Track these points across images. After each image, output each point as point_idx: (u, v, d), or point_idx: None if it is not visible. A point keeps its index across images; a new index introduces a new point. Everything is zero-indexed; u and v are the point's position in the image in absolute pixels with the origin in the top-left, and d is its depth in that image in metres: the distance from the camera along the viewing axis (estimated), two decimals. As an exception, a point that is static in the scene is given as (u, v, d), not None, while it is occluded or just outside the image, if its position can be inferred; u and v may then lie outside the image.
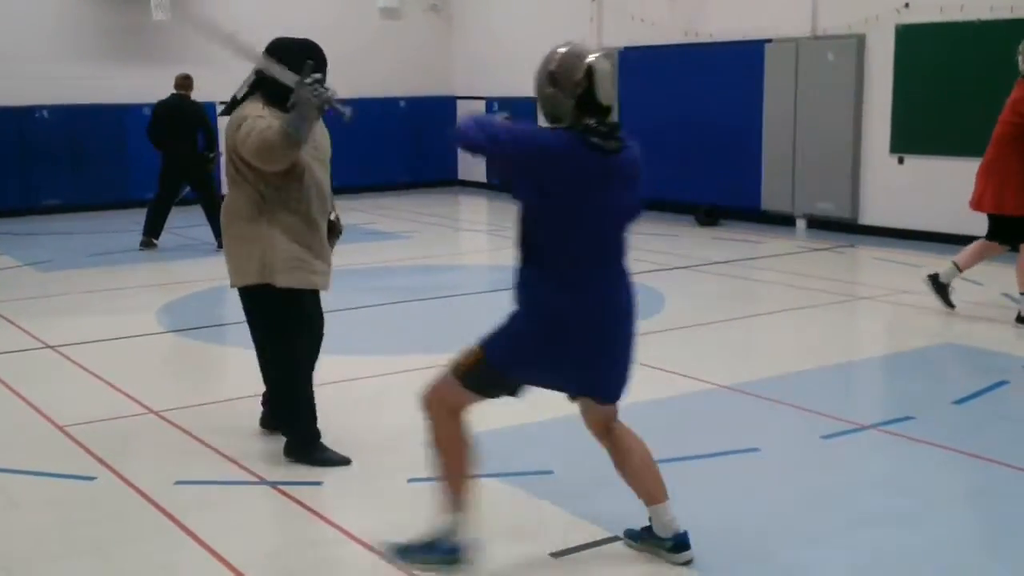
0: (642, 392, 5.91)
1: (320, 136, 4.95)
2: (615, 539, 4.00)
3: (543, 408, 5.65)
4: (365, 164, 15.93)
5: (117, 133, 14.04)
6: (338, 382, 6.22)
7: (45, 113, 13.81)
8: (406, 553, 3.79)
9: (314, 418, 4.92)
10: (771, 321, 7.84)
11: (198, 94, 11.45)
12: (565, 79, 3.40)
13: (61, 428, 5.32)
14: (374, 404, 5.89)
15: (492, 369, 3.66)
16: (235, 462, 4.88)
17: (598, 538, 4.02)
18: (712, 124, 12.59)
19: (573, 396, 3.88)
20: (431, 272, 9.89)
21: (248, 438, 5.51)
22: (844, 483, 4.61)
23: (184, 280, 9.57)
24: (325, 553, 4.03)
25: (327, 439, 5.00)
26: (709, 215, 12.27)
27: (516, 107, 15.49)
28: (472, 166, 16.55)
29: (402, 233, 12.14)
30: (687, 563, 3.79)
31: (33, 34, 13.78)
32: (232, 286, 4.78)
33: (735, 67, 12.30)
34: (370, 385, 6.19)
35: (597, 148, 3.40)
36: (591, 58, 3.40)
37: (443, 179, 16.72)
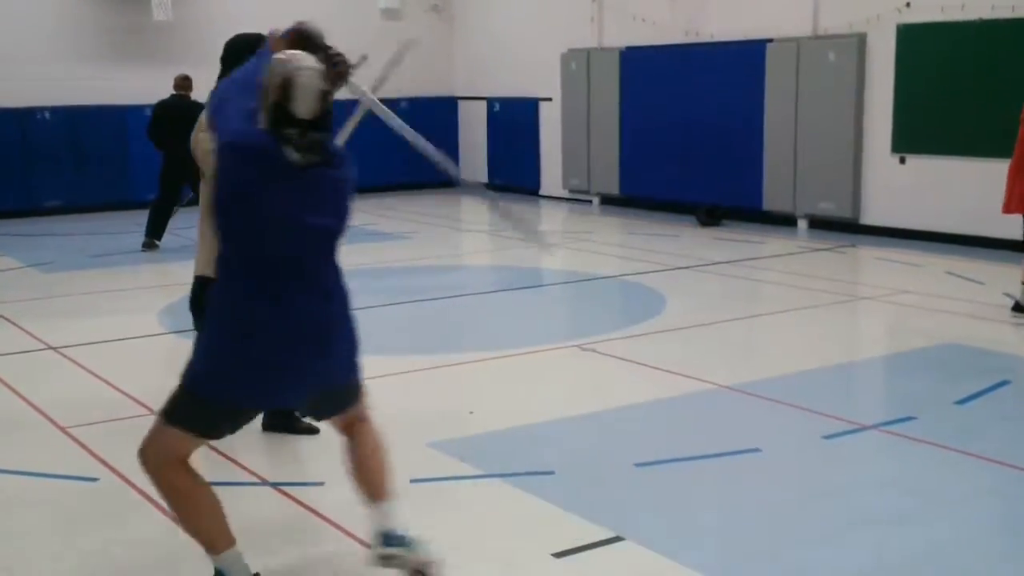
0: (643, 392, 5.95)
1: None
2: (617, 539, 4.00)
3: (543, 409, 5.68)
4: (366, 165, 15.72)
5: (118, 134, 14.05)
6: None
7: (46, 114, 13.82)
8: None
9: None
10: (773, 321, 7.84)
11: (198, 94, 11.43)
12: (266, 86, 3.33)
13: (63, 429, 5.32)
14: (374, 404, 5.87)
15: (196, 399, 3.36)
16: (237, 463, 4.88)
17: (600, 538, 4.02)
18: (713, 124, 12.59)
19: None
20: (432, 273, 9.90)
21: (250, 439, 5.51)
22: (846, 483, 4.61)
23: (186, 281, 9.50)
24: (326, 553, 4.03)
25: (325, 440, 4.99)
26: (710, 215, 12.27)
27: (518, 107, 15.62)
28: (474, 166, 16.57)
29: (403, 234, 12.15)
30: (387, 559, 3.58)
31: (34, 35, 13.79)
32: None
33: (736, 67, 12.30)
34: (374, 384, 6.15)
35: (290, 158, 3.29)
36: (295, 71, 3.30)
37: (445, 180, 16.69)
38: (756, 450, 4.96)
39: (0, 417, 5.67)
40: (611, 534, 4.04)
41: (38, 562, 3.98)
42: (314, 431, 5.19)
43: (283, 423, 5.26)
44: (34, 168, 13.76)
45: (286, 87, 3.29)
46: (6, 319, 7.89)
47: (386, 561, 3.61)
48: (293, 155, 3.29)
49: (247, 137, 3.31)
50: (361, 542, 4.03)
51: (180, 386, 3.41)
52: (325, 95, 3.38)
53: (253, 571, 3.53)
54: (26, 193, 13.77)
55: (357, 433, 3.75)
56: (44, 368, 6.64)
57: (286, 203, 3.27)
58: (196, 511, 3.43)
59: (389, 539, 3.61)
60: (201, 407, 3.36)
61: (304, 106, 3.30)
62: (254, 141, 3.29)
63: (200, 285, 5.24)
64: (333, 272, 3.49)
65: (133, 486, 4.59)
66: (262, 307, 3.30)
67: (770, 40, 11.93)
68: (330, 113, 3.43)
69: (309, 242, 3.36)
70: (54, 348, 7.00)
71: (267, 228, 3.29)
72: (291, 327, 3.33)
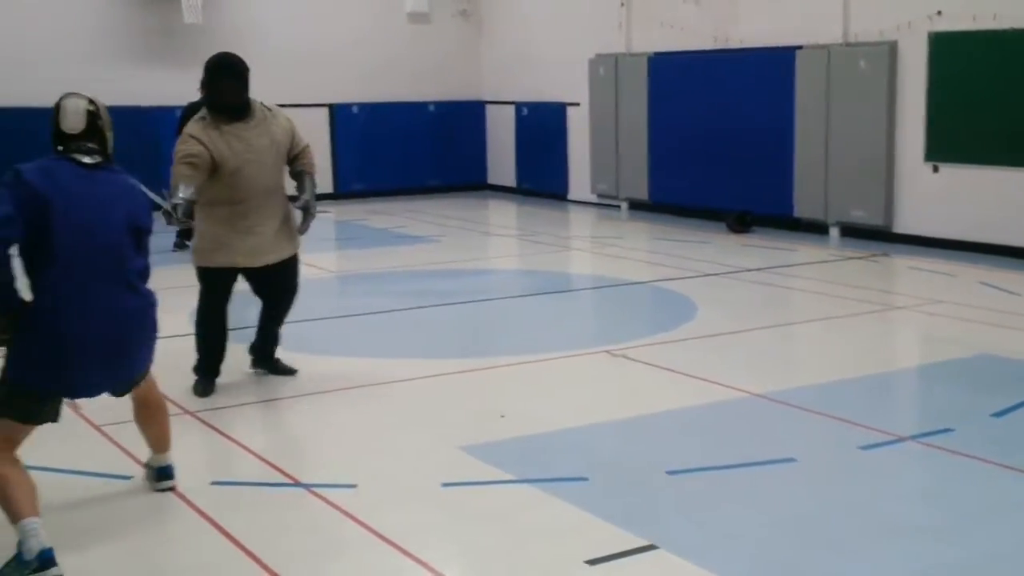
0: (675, 399, 5.92)
1: (258, 137, 5.77)
2: (651, 547, 3.98)
3: (574, 414, 5.66)
4: (394, 168, 15.98)
5: (149, 135, 14.12)
6: (370, 385, 6.24)
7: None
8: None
9: (209, 357, 6.03)
10: (805, 330, 7.79)
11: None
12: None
13: (98, 427, 5.35)
14: (405, 407, 5.89)
15: (11, 387, 3.90)
16: (270, 463, 4.89)
17: (634, 546, 4.00)
18: (743, 130, 12.54)
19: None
20: (461, 276, 9.90)
21: (283, 440, 5.55)
22: (882, 495, 4.56)
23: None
24: (358, 555, 4.03)
25: (360, 444, 5.01)
26: (740, 222, 12.21)
27: (546, 111, 15.62)
28: (502, 170, 16.58)
29: (431, 237, 12.16)
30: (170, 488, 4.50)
31: (67, 37, 13.90)
32: None
33: (766, 73, 12.24)
34: (401, 389, 6.19)
35: (73, 163, 4.03)
36: (62, 99, 4.16)
37: (472, 183, 16.74)
38: (791, 460, 4.92)
39: (34, 415, 5.70)
40: (645, 542, 4.02)
41: (74, 560, 3.99)
42: (292, 372, 6.26)
43: (265, 364, 6.27)
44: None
45: (57, 111, 4.14)
46: None
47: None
48: (79, 158, 4.05)
49: (30, 171, 4.03)
50: (394, 544, 4.03)
51: (2, 382, 3.98)
52: (92, 114, 4.12)
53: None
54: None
55: (140, 399, 4.50)
56: (77, 367, 6.67)
57: (81, 205, 3.99)
58: (6, 491, 3.84)
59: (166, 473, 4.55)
60: (20, 396, 3.94)
61: (66, 123, 4.09)
62: (38, 166, 4.07)
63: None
64: (137, 269, 4.20)
65: (167, 486, 4.62)
66: (69, 302, 3.93)
67: (800, 47, 11.87)
68: (102, 130, 4.13)
69: (108, 236, 4.02)
70: (87, 347, 7.03)
71: (70, 230, 3.91)
72: (95, 320, 3.96)
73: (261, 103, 5.89)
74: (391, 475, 4.82)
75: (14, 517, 3.81)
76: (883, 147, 11.15)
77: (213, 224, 5.82)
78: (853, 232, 11.57)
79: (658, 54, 13.60)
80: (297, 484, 4.67)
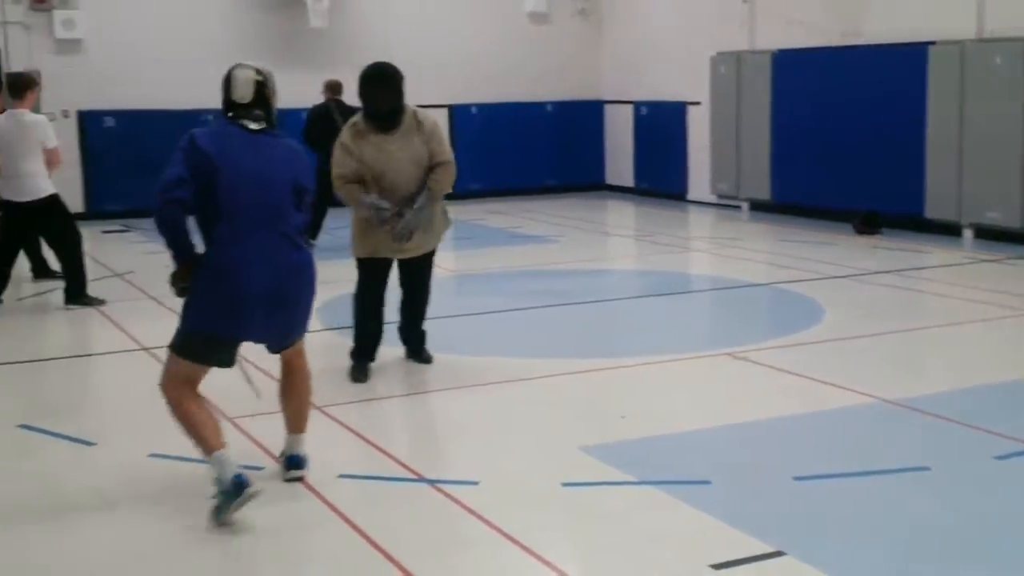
0: (800, 404, 5.81)
1: (400, 149, 6.02)
2: (778, 554, 3.91)
3: (696, 416, 5.61)
4: (512, 168, 16.04)
5: (276, 136, 14.51)
6: (490, 383, 6.28)
7: (209, 117, 14.34)
8: (219, 514, 4.18)
9: (363, 340, 6.35)
10: (936, 334, 7.54)
11: (355, 99, 11.73)
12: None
13: (231, 419, 5.51)
14: (525, 406, 5.91)
15: (187, 330, 4.36)
16: (394, 458, 4.97)
17: (759, 552, 3.93)
18: (871, 129, 12.21)
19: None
20: (580, 276, 9.89)
21: (409, 436, 5.63)
22: (1020, 506, 4.39)
23: (337, 280, 9.80)
24: (481, 551, 4.07)
25: (482, 440, 5.05)
26: (868, 223, 11.89)
27: (665, 110, 15.48)
28: (620, 170, 16.51)
29: (550, 237, 12.18)
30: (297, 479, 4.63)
31: (199, 41, 14.34)
32: None
33: (896, 70, 11.90)
34: (521, 387, 6.21)
35: (241, 128, 4.42)
36: (233, 70, 4.52)
37: (590, 183, 16.70)
38: (924, 468, 4.77)
39: (170, 406, 5.91)
40: (771, 548, 3.95)
41: (208, 546, 4.13)
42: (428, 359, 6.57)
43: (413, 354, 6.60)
44: (197, 168, 14.30)
45: (227, 81, 4.52)
46: (174, 312, 8.19)
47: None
48: (246, 124, 4.42)
49: (203, 134, 4.44)
50: (516, 541, 4.05)
51: (180, 325, 4.43)
52: (259, 84, 4.50)
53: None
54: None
55: (288, 371, 4.72)
56: (209, 360, 6.88)
57: (248, 161, 4.39)
58: (197, 426, 4.29)
59: (297, 462, 4.69)
60: (195, 338, 4.39)
61: (237, 92, 4.46)
62: (213, 128, 4.54)
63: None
64: (298, 226, 4.49)
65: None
66: (238, 253, 4.31)
67: (932, 43, 11.50)
68: (269, 100, 4.53)
69: (272, 191, 4.38)
70: (218, 341, 7.25)
71: (238, 183, 4.31)
72: (260, 270, 4.30)
73: (414, 111, 6.09)
74: (512, 473, 4.84)
75: (206, 451, 4.25)
76: (1019, 146, 10.72)
77: (362, 217, 6.13)
78: (987, 234, 11.15)
79: (782, 51, 13.35)
80: (421, 479, 4.74)
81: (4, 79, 10.47)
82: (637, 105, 15.98)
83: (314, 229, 11.39)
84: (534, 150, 16.21)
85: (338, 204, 11.52)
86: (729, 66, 13.99)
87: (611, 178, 16.78)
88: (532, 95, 16.08)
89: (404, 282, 6.47)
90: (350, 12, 14.82)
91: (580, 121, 16.57)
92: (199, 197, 4.26)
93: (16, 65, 13.18)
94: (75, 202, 12.31)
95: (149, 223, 12.01)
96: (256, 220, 4.31)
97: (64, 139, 13.11)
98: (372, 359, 6.39)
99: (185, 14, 14.28)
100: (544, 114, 16.30)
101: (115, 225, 13.15)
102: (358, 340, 6.37)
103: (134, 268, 10.24)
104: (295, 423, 4.77)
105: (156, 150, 14.17)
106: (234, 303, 4.28)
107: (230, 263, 4.27)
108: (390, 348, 6.65)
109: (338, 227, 11.95)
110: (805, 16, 12.98)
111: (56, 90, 13.57)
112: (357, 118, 6.11)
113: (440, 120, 16.54)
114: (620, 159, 16.47)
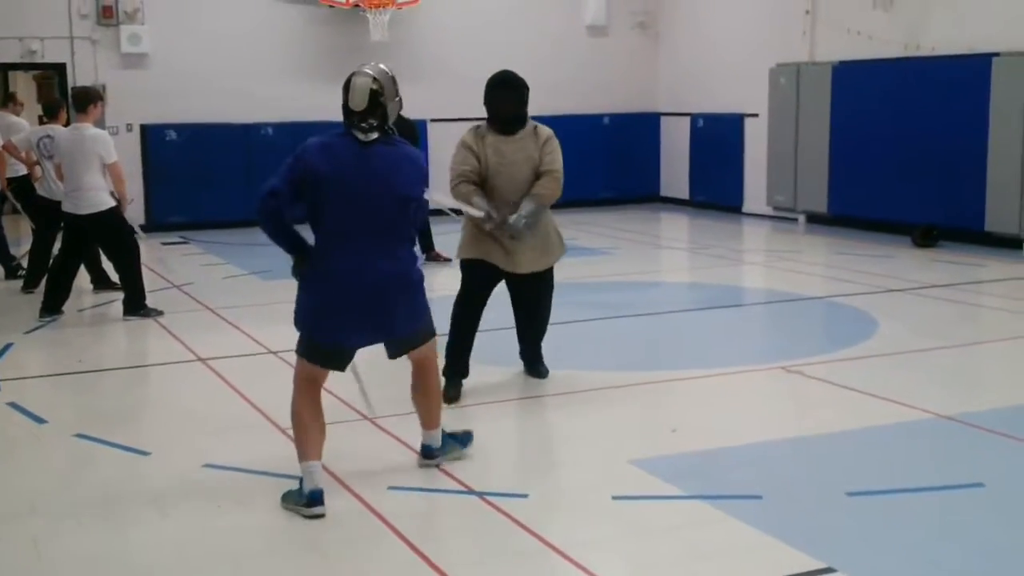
0: (853, 418, 5.74)
1: (514, 152, 6.07)
2: (829, 571, 3.86)
3: (748, 430, 5.56)
4: (567, 180, 15.80)
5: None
6: (541, 396, 6.28)
7: (269, 130, 14.57)
8: (284, 501, 4.52)
9: (453, 355, 6.23)
10: (995, 349, 7.41)
11: (411, 112, 11.83)
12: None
13: (283, 430, 5.57)
14: (576, 418, 5.91)
15: (304, 335, 4.57)
16: (445, 471, 4.99)
17: (810, 568, 3.89)
18: (932, 141, 12.03)
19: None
20: (634, 289, 9.86)
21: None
22: (1081, 526, 4.30)
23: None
24: (530, 565, 4.07)
25: (531, 454, 5.04)
26: (927, 236, 11.72)
27: (722, 122, 15.39)
28: (675, 182, 16.44)
29: (604, 249, 12.16)
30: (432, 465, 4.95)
31: (260, 55, 14.58)
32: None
33: (959, 82, 11.72)
34: (572, 400, 6.20)
35: (354, 139, 4.45)
36: (352, 76, 4.49)
37: (645, 195, 16.65)
38: (979, 485, 4.69)
39: (225, 417, 6.01)
40: (823, 565, 3.90)
41: (261, 557, 4.17)
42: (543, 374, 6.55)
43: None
44: (257, 181, 14.46)
45: (345, 88, 4.46)
46: (230, 323, 8.36)
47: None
48: (358, 136, 4.43)
49: (319, 141, 4.56)
50: (564, 555, 4.05)
51: (299, 329, 4.63)
52: (374, 92, 4.43)
53: None
54: (249, 205, 14.44)
55: (416, 367, 4.86)
56: (263, 370, 6.98)
57: (357, 174, 4.43)
58: (303, 428, 4.54)
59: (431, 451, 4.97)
60: (311, 343, 4.57)
61: (353, 100, 4.43)
62: (327, 138, 4.55)
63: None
64: (404, 237, 4.60)
65: (348, 488, 4.77)
66: (336, 263, 4.44)
67: (996, 54, 11.31)
68: (384, 108, 4.47)
69: (378, 204, 4.42)
70: (274, 352, 7.35)
71: (344, 196, 4.39)
72: (355, 280, 4.43)
73: (535, 125, 6.14)
74: (562, 486, 4.85)
75: (301, 456, 4.49)
76: (1085, 158, 10.50)
77: (473, 223, 6.14)
78: (1050, 248, 10.94)
79: (843, 63, 13.22)
80: (471, 492, 4.75)
81: (70, 93, 10.73)
82: (694, 117, 15.91)
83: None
84: (590, 162, 16.17)
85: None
86: (789, 77, 13.88)
87: (666, 190, 16.71)
88: (589, 108, 16.08)
89: (517, 303, 6.39)
90: (410, 26, 14.95)
91: (636, 133, 16.53)
92: (306, 205, 4.44)
93: (83, 79, 13.50)
94: (136, 214, 12.54)
95: (208, 235, 12.15)
96: (356, 232, 4.42)
97: (127, 152, 13.45)
98: (464, 374, 6.25)
99: (247, 29, 14.51)
100: (600, 126, 16.29)
101: (175, 237, 13.37)
102: (450, 353, 6.20)
103: (193, 280, 10.41)
104: (426, 419, 4.95)
105: (216, 163, 14.58)
106: (329, 313, 4.46)
107: (328, 273, 4.43)
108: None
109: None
110: (867, 27, 12.84)
111: (120, 104, 13.88)
112: (480, 123, 6.14)
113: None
114: (676, 171, 16.40)
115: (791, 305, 9.05)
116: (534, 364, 6.58)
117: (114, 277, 9.19)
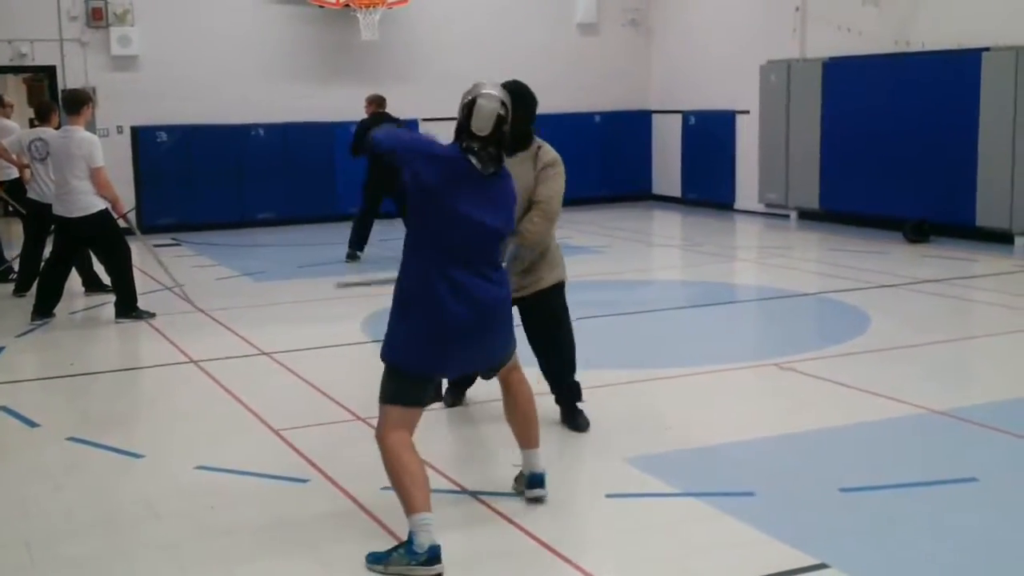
0: (846, 414, 5.75)
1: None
2: (821, 567, 3.87)
3: (741, 428, 5.56)
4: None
5: (325, 149, 14.65)
6: (542, 394, 6.25)
7: (260, 131, 14.55)
8: (387, 564, 3.98)
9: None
10: (987, 344, 7.43)
11: (402, 111, 11.86)
12: (459, 107, 4.18)
13: (276, 431, 5.57)
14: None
15: (398, 372, 4.14)
16: (438, 470, 4.98)
17: (803, 565, 3.90)
18: (922, 136, 12.06)
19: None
20: (627, 287, 9.86)
21: (450, 448, 5.63)
22: (1073, 520, 4.31)
23: (386, 292, 9.87)
24: (524, 563, 4.07)
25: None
26: (918, 231, 11.74)
27: (714, 120, 15.40)
28: (667, 180, 16.45)
29: (596, 248, 12.16)
30: (537, 499, 4.52)
31: (251, 56, 14.55)
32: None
33: (949, 77, 11.75)
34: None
35: (471, 165, 4.11)
36: (478, 97, 4.14)
37: (637, 193, 16.66)
38: (972, 479, 4.70)
39: (218, 418, 6.00)
40: (815, 561, 3.91)
41: (254, 559, 4.17)
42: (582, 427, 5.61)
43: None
44: (249, 182, 14.51)
45: (469, 108, 4.13)
46: (223, 325, 8.35)
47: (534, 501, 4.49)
48: (474, 163, 4.10)
49: (443, 148, 4.18)
50: (557, 553, 4.05)
51: (387, 368, 4.16)
52: (500, 118, 4.12)
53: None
54: (241, 206, 14.52)
55: (508, 386, 4.58)
56: (257, 372, 6.97)
57: (466, 202, 4.09)
58: (402, 481, 4.05)
59: (535, 480, 4.55)
60: (407, 380, 4.13)
61: (477, 124, 4.10)
62: (448, 150, 4.16)
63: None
64: (496, 262, 4.24)
65: (342, 489, 4.77)
66: (442, 288, 4.05)
67: (986, 49, 11.34)
68: (506, 134, 4.18)
69: (482, 235, 4.13)
70: (267, 353, 7.34)
71: (453, 221, 4.06)
72: (464, 307, 4.07)
73: (540, 144, 5.41)
74: (556, 484, 4.83)
75: (409, 508, 4.00)
76: (1075, 152, 10.54)
77: None
78: (1041, 242, 10.97)
79: (833, 59, 13.24)
80: (463, 491, 4.75)
81: (60, 96, 10.70)
82: (685, 115, 15.92)
83: (361, 242, 11.49)
84: (582, 160, 16.12)
85: (386, 215, 11.71)
86: (779, 74, 13.90)
87: (658, 188, 16.72)
88: (580, 106, 16.07)
89: (527, 334, 5.60)
90: (400, 25, 14.93)
91: (628, 131, 16.54)
92: (413, 209, 4.15)
93: (73, 82, 13.47)
94: (127, 216, 12.50)
95: (200, 237, 12.05)
96: (464, 258, 4.10)
97: (118, 154, 13.43)
98: (468, 383, 5.86)
99: (237, 30, 14.48)
100: (592, 124, 16.29)
101: (166, 239, 13.35)
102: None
103: (184, 282, 10.39)
104: (524, 438, 4.59)
105: (207, 165, 14.56)
106: (431, 341, 4.10)
107: (428, 298, 4.08)
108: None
109: (386, 239, 12.06)
110: (856, 23, 12.86)
111: (111, 106, 13.85)
112: None
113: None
114: (668, 169, 16.41)
115: (784, 302, 9.06)
116: (570, 414, 5.64)
117: (106, 280, 9.17)
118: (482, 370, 4.49)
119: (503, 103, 4.14)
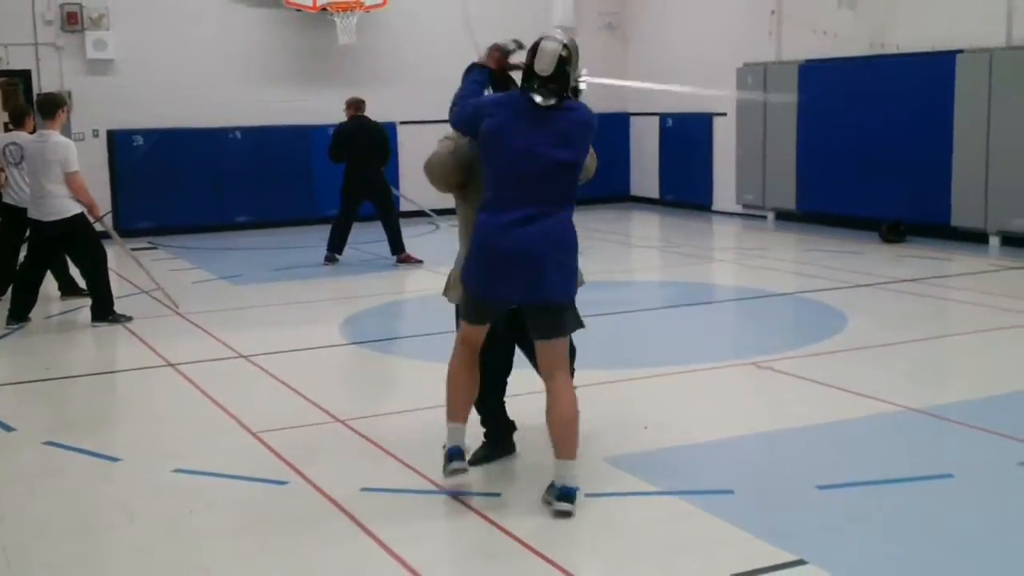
0: (824, 412, 5.78)
1: None
2: (799, 563, 3.89)
3: (720, 426, 5.59)
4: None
5: (303, 153, 14.61)
6: (514, 395, 6.27)
7: (238, 134, 14.50)
8: (443, 467, 4.60)
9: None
10: (962, 342, 7.49)
11: (380, 114, 11.83)
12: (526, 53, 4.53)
13: (255, 434, 5.55)
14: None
15: (465, 292, 4.59)
16: (417, 472, 4.98)
17: (781, 561, 3.92)
18: (898, 138, 12.15)
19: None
20: (605, 288, 9.86)
21: (428, 448, 5.62)
22: (1047, 514, 4.35)
23: (364, 294, 9.88)
24: (503, 562, 4.07)
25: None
26: (894, 231, 11.83)
27: (691, 122, 15.45)
28: (645, 182, 16.49)
29: (576, 249, 12.15)
30: (563, 514, 4.38)
31: (227, 60, 14.50)
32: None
33: (924, 79, 11.84)
34: (543, 399, 6.18)
35: (534, 102, 4.41)
36: (542, 39, 4.48)
37: (616, 194, 16.70)
38: (948, 476, 4.74)
39: (196, 421, 5.96)
40: (793, 557, 3.93)
41: (231, 562, 4.16)
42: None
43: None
44: (226, 186, 14.46)
45: (533, 51, 4.45)
46: (200, 328, 8.31)
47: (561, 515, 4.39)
48: (537, 99, 4.40)
49: (501, 96, 4.64)
50: (538, 553, 4.05)
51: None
52: (562, 59, 4.41)
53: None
54: (218, 209, 14.46)
55: (552, 386, 4.61)
56: (235, 375, 6.95)
57: (532, 139, 4.39)
58: (455, 386, 4.65)
59: (563, 494, 4.44)
60: (469, 298, 4.59)
61: (540, 64, 4.40)
62: (507, 96, 4.59)
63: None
64: (560, 196, 4.48)
65: (320, 491, 4.76)
66: (492, 224, 4.41)
67: (960, 51, 11.44)
68: (568, 75, 4.44)
69: (545, 169, 4.40)
70: (244, 356, 7.31)
71: (511, 157, 4.39)
72: (507, 242, 4.38)
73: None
74: (535, 484, 4.83)
75: (447, 416, 4.65)
76: (1048, 153, 10.64)
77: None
78: (1015, 242, 11.07)
79: (809, 61, 13.32)
80: (443, 492, 4.75)
81: (35, 100, 10.63)
82: (663, 117, 15.98)
83: (339, 245, 11.46)
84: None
85: (365, 218, 11.69)
86: (756, 77, 13.97)
87: (636, 190, 16.77)
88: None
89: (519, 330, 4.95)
90: (378, 29, 14.91)
91: (605, 133, 16.39)
92: (488, 149, 4.48)
93: (48, 86, 13.39)
94: (104, 219, 12.42)
95: (177, 240, 11.97)
96: (519, 190, 4.40)
97: (94, 158, 13.35)
98: (498, 438, 5.24)
99: (214, 33, 14.42)
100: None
101: (143, 243, 13.28)
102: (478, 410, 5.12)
103: (161, 285, 10.34)
104: (558, 447, 4.51)
105: (184, 168, 14.49)
106: (481, 267, 4.48)
107: (486, 230, 4.45)
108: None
109: (365, 241, 12.04)
110: (832, 26, 12.94)
111: (87, 110, 13.76)
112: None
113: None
114: (645, 171, 16.47)
115: (761, 301, 9.10)
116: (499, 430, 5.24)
117: (82, 284, 9.11)
118: (526, 294, 4.48)
119: (565, 45, 4.42)
